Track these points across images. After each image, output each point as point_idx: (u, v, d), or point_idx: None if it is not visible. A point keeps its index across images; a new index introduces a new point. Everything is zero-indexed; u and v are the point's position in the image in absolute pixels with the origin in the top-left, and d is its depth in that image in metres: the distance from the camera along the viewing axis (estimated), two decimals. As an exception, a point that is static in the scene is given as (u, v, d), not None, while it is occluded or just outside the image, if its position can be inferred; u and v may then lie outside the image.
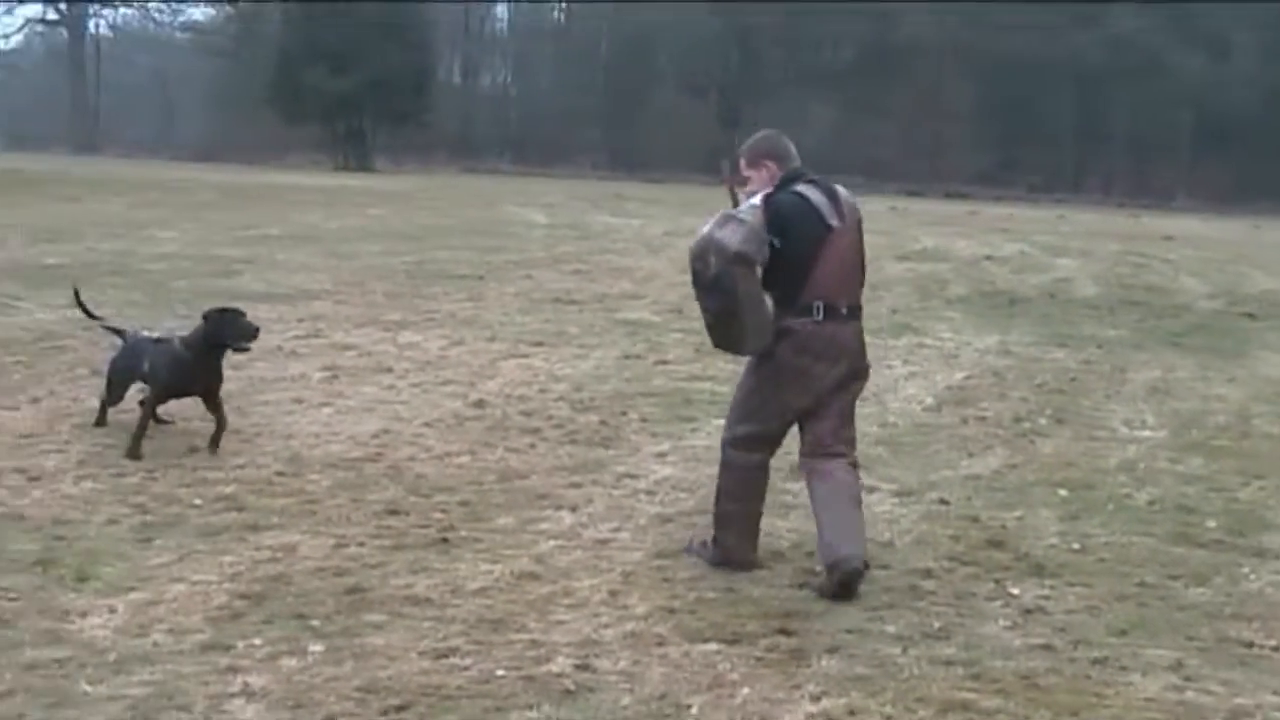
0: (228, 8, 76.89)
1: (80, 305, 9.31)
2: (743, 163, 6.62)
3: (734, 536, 6.46)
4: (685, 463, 8.32)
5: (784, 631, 5.58)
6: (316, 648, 5.27)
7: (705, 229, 6.25)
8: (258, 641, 5.31)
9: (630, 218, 27.76)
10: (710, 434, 9.12)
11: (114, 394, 8.72)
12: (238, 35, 73.45)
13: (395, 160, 61.32)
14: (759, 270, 6.24)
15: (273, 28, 66.14)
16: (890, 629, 5.66)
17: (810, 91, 63.89)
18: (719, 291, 6.18)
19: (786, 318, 6.26)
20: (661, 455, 8.49)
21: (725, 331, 6.35)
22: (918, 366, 12.07)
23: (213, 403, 8.35)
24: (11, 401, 9.39)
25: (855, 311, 6.42)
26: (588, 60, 69.67)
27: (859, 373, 6.50)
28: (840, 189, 6.52)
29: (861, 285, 6.52)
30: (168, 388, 8.33)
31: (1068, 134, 63.88)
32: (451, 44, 72.09)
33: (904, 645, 5.48)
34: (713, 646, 5.42)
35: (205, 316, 8.32)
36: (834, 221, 6.33)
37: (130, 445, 8.06)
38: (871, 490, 7.78)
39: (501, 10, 76.70)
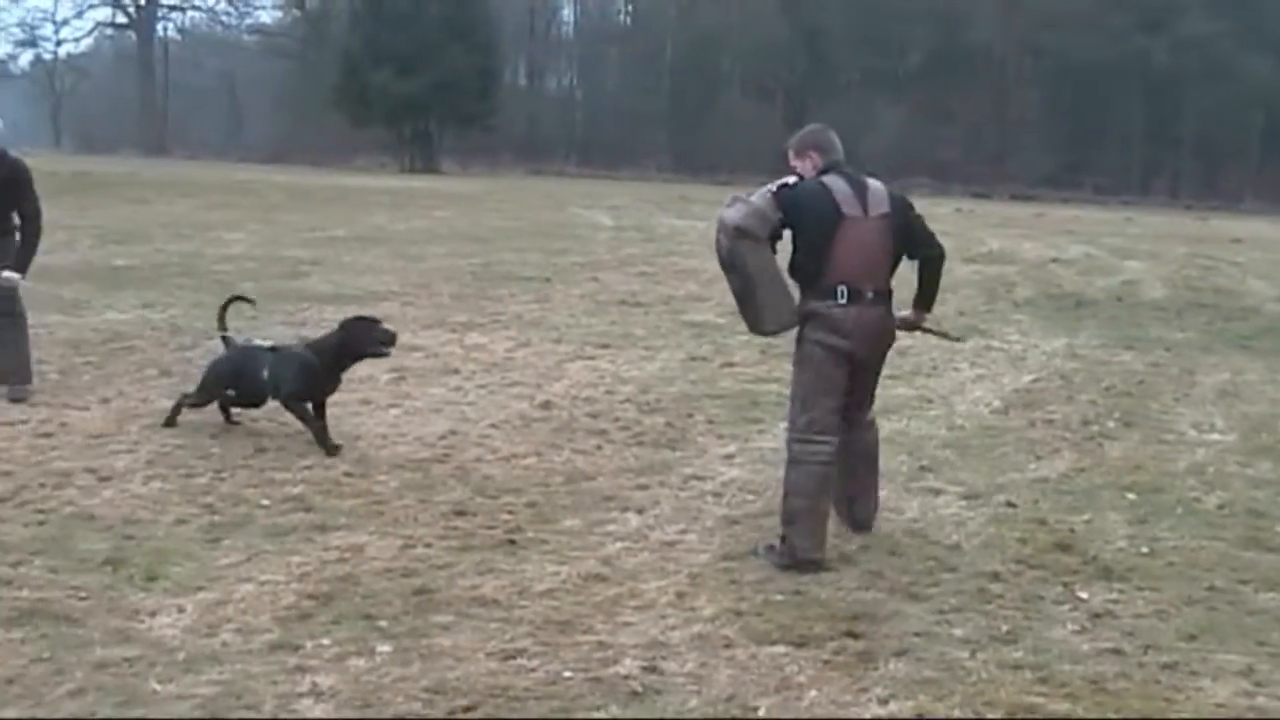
0: (295, 11, 77.49)
1: (223, 314, 9.40)
2: (790, 154, 6.94)
3: (801, 535, 6.50)
4: (752, 465, 8.30)
5: (851, 634, 5.55)
6: (384, 648, 5.28)
7: (721, 212, 6.68)
8: (326, 642, 5.32)
9: (696, 220, 27.70)
10: (777, 435, 9.08)
11: (203, 398, 8.80)
12: (304, 38, 74.00)
13: (461, 162, 61.63)
14: (770, 248, 6.62)
15: (339, 30, 66.58)
16: (958, 632, 5.63)
17: (877, 94, 63.73)
18: (734, 270, 6.62)
19: (811, 301, 6.61)
20: (728, 457, 8.47)
21: (746, 310, 6.73)
22: (985, 369, 12.00)
23: (323, 408, 8.53)
24: (81, 402, 9.48)
25: (881, 296, 6.66)
26: (653, 62, 69.72)
27: (883, 352, 6.89)
28: (873, 182, 6.77)
29: (892, 272, 6.73)
30: (297, 394, 8.49)
31: (1135, 136, 63.42)
32: (517, 46, 72.32)
33: (972, 649, 5.45)
34: (780, 649, 5.39)
35: (343, 326, 8.65)
36: (849, 210, 6.57)
37: (329, 445, 8.29)
38: (938, 493, 7.77)
39: (567, 13, 76.89)
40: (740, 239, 6.55)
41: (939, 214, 35.34)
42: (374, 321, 8.75)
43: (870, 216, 6.62)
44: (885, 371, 10.39)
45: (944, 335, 8.46)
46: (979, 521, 7.25)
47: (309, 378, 8.47)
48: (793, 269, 6.69)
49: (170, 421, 8.75)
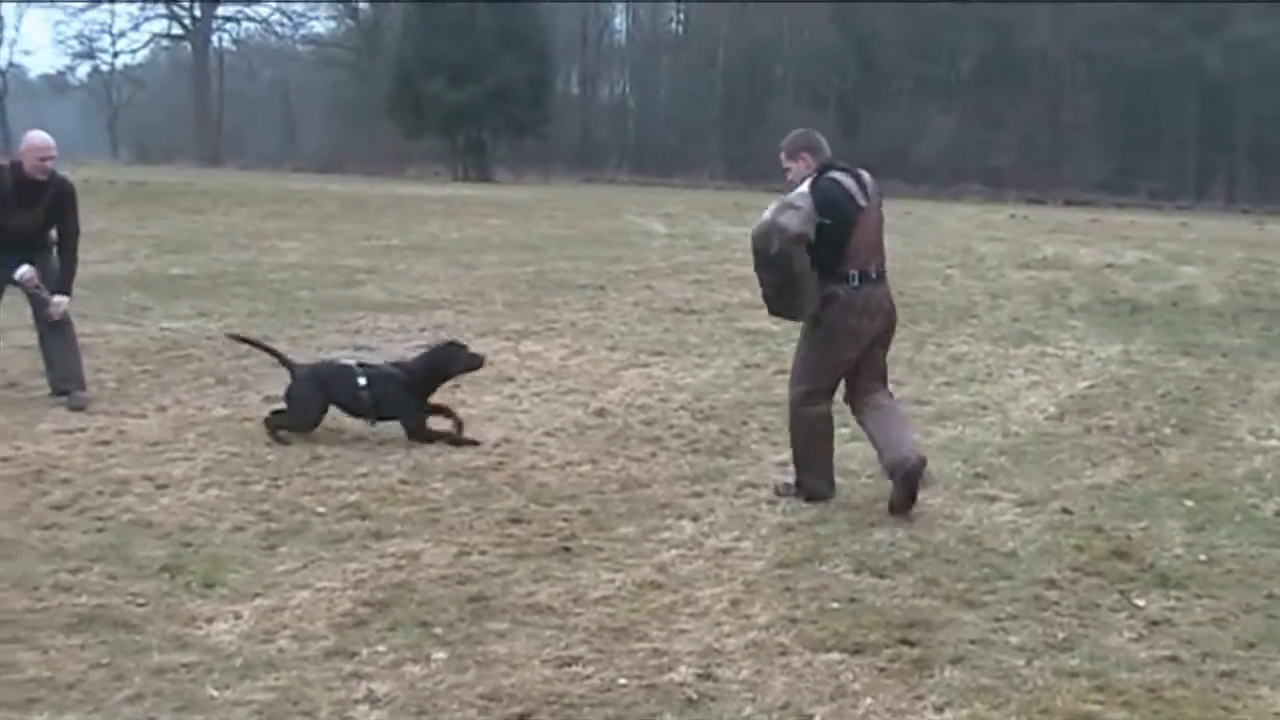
0: (348, 21, 77.90)
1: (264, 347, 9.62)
2: (783, 156, 7.73)
3: (812, 476, 7.67)
4: (807, 472, 8.29)
5: (907, 642, 5.52)
6: (440, 655, 5.29)
7: (767, 215, 7.36)
8: (382, 648, 5.34)
9: (749, 227, 27.64)
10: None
11: (310, 420, 8.89)
12: (358, 48, 74.39)
13: (514, 171, 61.81)
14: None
15: (392, 40, 66.90)
16: (1014, 640, 5.60)
17: (929, 101, 63.58)
18: (779, 268, 7.36)
19: (830, 285, 7.39)
20: (783, 464, 8.43)
21: (784, 300, 7.52)
22: (1040, 375, 11.94)
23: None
24: (139, 410, 9.55)
25: (883, 275, 7.61)
26: (705, 70, 69.72)
27: (892, 324, 7.76)
28: (865, 174, 7.63)
29: (883, 254, 7.63)
30: (415, 416, 8.87)
31: (1190, 140, 62.99)
32: (569, 55, 72.46)
33: (1028, 656, 5.42)
34: (835, 656, 5.38)
35: (434, 350, 9.20)
36: (862, 201, 7.48)
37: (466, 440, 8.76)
38: (994, 500, 7.74)
39: (619, 21, 77.00)
40: (796, 243, 7.26)
41: (994, 220, 35.25)
42: (462, 347, 9.31)
43: (871, 205, 7.55)
44: (940, 378, 10.49)
45: None
46: (1035, 528, 7.21)
47: (408, 397, 8.87)
48: (813, 257, 7.36)
49: (280, 439, 8.78)
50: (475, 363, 9.18)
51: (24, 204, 9.56)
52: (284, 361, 9.26)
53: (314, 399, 8.87)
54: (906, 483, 7.32)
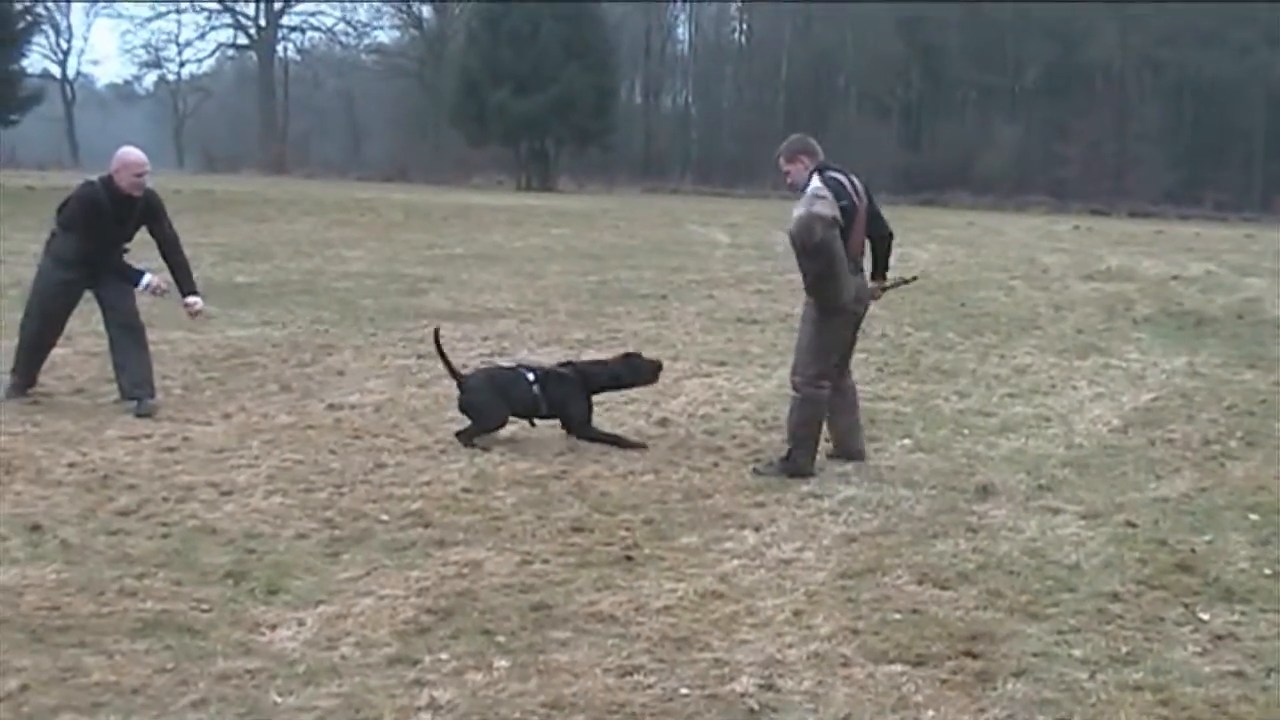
0: (413, 30, 78.28)
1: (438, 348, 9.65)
2: (782, 160, 8.62)
3: (805, 454, 8.39)
4: (869, 482, 8.25)
5: (969, 654, 5.49)
6: (502, 663, 5.29)
7: (802, 210, 8.10)
8: (444, 656, 5.35)
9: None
10: (894, 453, 9.08)
11: (496, 422, 9.10)
12: (422, 58, 74.70)
13: (578, 180, 61.90)
14: None
15: (457, 50, 67.15)
16: (1078, 653, 5.55)
17: (994, 111, 63.29)
18: (822, 256, 8.11)
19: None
20: (845, 475, 8.43)
21: (827, 287, 8.24)
22: (1104, 387, 11.85)
23: None
24: (204, 417, 9.62)
25: (860, 266, 8.60)
26: (769, 80, 69.72)
27: (866, 311, 8.82)
28: (853, 175, 8.49)
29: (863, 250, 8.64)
30: (587, 418, 9.29)
31: (1257, 152, 62.37)
32: (633, 65, 72.52)
33: (1092, 670, 5.37)
34: (897, 668, 5.35)
35: (614, 362, 9.68)
36: (855, 199, 8.36)
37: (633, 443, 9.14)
38: (1057, 512, 7.69)
39: (682, 31, 77.03)
40: (831, 228, 8.08)
41: (1058, 231, 35.07)
42: (641, 357, 9.83)
43: (860, 204, 8.41)
44: (1003, 390, 10.54)
45: (902, 282, 9.62)
46: (1098, 541, 7.15)
47: (586, 402, 9.30)
48: None
49: (474, 444, 8.96)
50: (655, 375, 9.72)
51: (118, 219, 9.70)
52: (454, 374, 9.33)
53: (495, 403, 9.09)
54: (852, 458, 8.74)
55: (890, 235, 9.03)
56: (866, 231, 8.62)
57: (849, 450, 8.80)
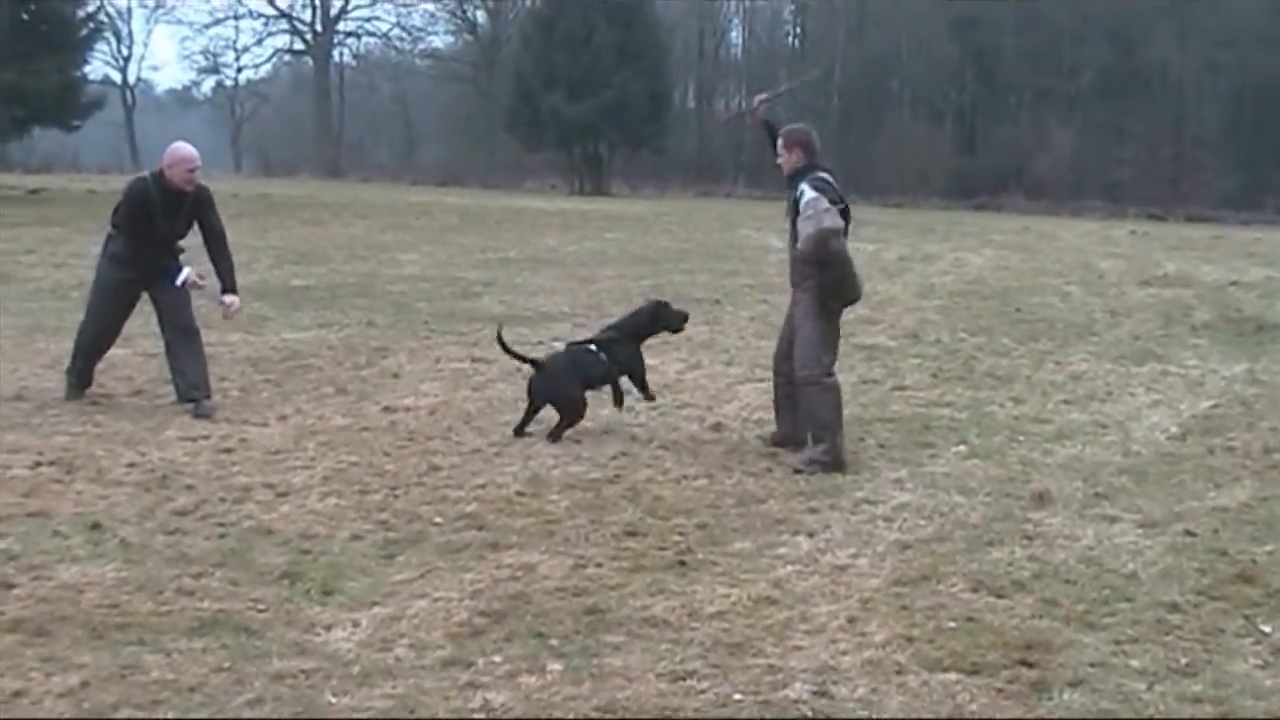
0: (467, 35, 78.50)
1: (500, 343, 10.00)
2: (781, 142, 9.07)
3: (839, 439, 8.74)
4: (924, 489, 8.23)
5: (1025, 663, 5.46)
6: (555, 666, 5.31)
7: (811, 229, 8.58)
8: (498, 659, 5.37)
9: (865, 242, 27.52)
10: (949, 460, 9.05)
11: (583, 411, 9.60)
12: (476, 62, 74.87)
13: (631, 184, 61.88)
14: None
15: (511, 54, 67.27)
16: (1135, 663, 5.51)
17: (1049, 114, 62.86)
18: (836, 262, 8.65)
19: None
20: (899, 482, 8.41)
21: (846, 289, 8.82)
22: (1161, 394, 11.76)
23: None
24: (260, 418, 9.69)
25: None
26: (822, 84, 69.36)
27: None
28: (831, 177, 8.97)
29: None
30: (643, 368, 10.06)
31: (1320, 155, 61.66)
32: (686, 68, 72.43)
33: (1150, 681, 5.33)
34: (952, 676, 5.33)
35: (644, 310, 10.24)
36: (843, 198, 8.86)
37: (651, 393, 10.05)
38: (1114, 520, 7.64)
39: (736, 35, 76.92)
40: (839, 236, 8.65)
41: (1114, 236, 34.82)
42: (668, 305, 10.34)
43: (845, 203, 8.88)
44: (1059, 396, 10.57)
45: (795, 88, 10.05)
46: (1157, 550, 7.10)
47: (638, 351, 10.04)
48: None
49: (556, 437, 9.32)
50: (681, 321, 10.30)
51: (167, 213, 9.77)
52: (532, 361, 9.71)
53: (576, 385, 9.58)
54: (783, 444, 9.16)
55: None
56: None
57: (796, 440, 9.06)
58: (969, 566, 6.72)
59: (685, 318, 10.37)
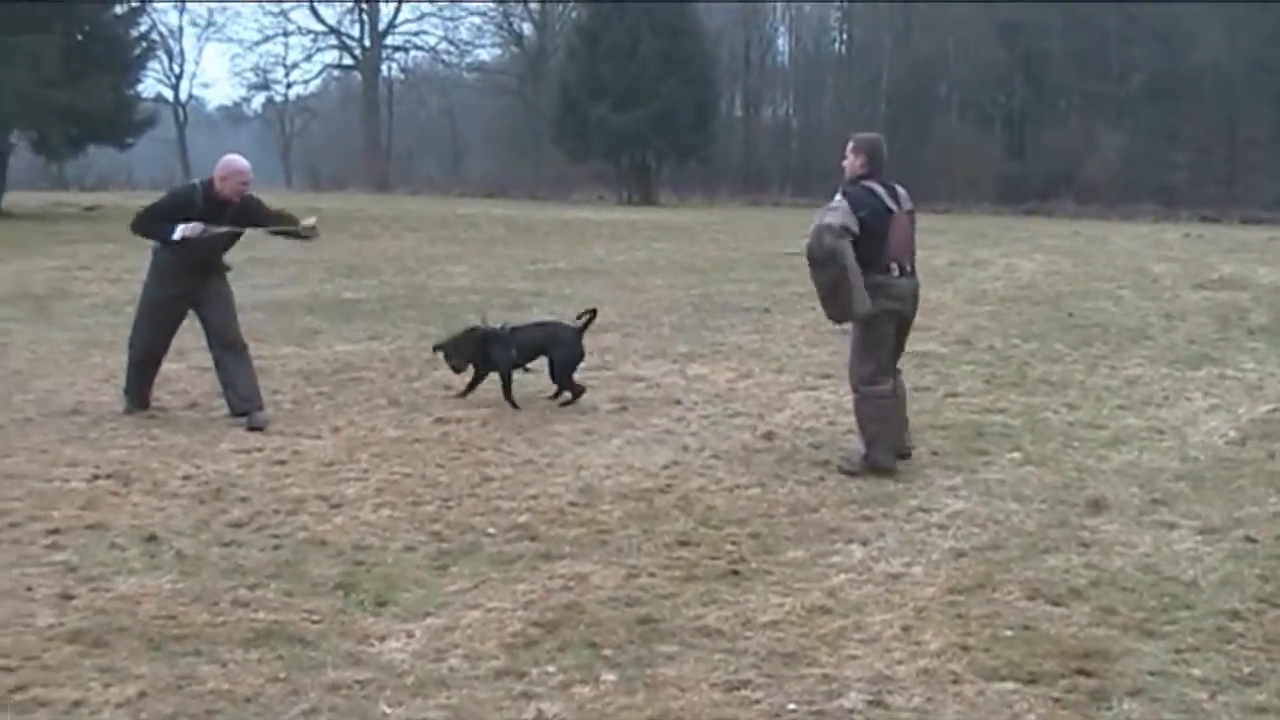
0: (513, 48, 78.72)
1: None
2: (850, 145, 9.06)
3: (881, 451, 8.76)
4: (978, 496, 8.17)
5: (1083, 672, 5.41)
6: (609, 677, 5.30)
7: (814, 225, 8.72)
8: (551, 669, 5.36)
9: (924, 251, 27.50)
10: (1003, 467, 8.99)
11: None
12: (523, 74, 75.09)
13: (679, 194, 61.84)
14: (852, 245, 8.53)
15: (557, 66, 67.39)
16: (1196, 672, 5.45)
17: (1098, 117, 62.45)
18: (832, 265, 8.52)
19: (875, 275, 8.62)
20: (953, 489, 8.36)
21: (836, 300, 8.62)
22: (1219, 399, 11.65)
23: None
24: (314, 430, 9.72)
25: (913, 271, 8.96)
26: (870, 90, 69.27)
27: (914, 312, 9.10)
28: (899, 187, 8.93)
29: (914, 254, 8.98)
30: None
31: (1377, 156, 61.02)
32: (733, 77, 72.39)
33: (1212, 690, 5.27)
34: (1009, 685, 5.29)
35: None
36: (892, 206, 8.77)
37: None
38: (1172, 527, 7.57)
39: (782, 43, 76.83)
40: (841, 238, 8.49)
41: (1167, 239, 34.58)
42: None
43: (900, 211, 8.82)
44: (1114, 402, 10.47)
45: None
46: (1216, 557, 7.03)
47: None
48: (859, 251, 8.52)
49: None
50: None
51: (209, 221, 9.80)
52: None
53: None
54: (901, 456, 8.97)
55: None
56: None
57: (898, 450, 9.02)
58: (1025, 574, 6.67)
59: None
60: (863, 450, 8.81)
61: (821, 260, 8.60)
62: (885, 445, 8.79)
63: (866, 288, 8.54)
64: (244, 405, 9.85)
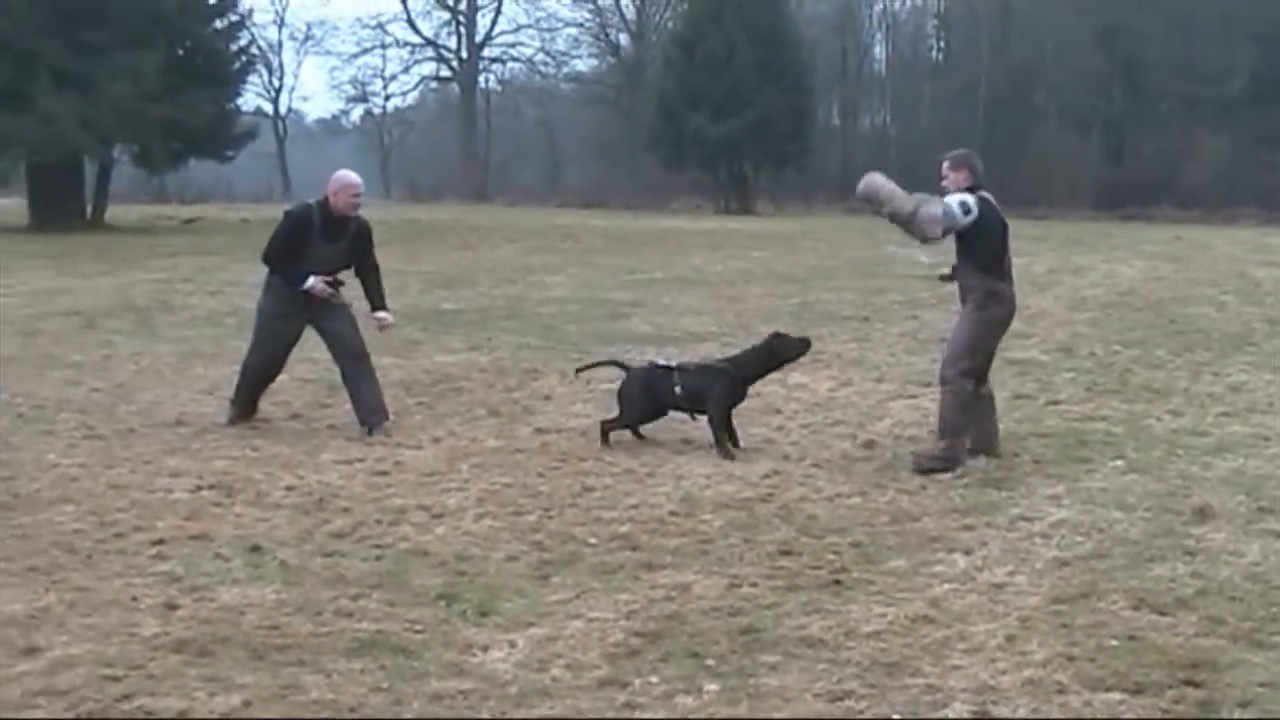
0: (610, 58, 79.00)
1: None
2: (946, 165, 9.33)
3: (959, 445, 9.00)
4: (1081, 505, 8.09)
5: (1191, 683, 5.33)
6: (712, 687, 5.29)
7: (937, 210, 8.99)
8: (654, 679, 5.36)
9: (1015, 255, 27.25)
10: (1106, 475, 8.89)
11: None
12: (620, 85, 75.31)
13: (776, 203, 61.79)
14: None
15: (654, 75, 67.53)
16: (1310, 683, 5.38)
17: (1198, 122, 61.65)
18: (901, 214, 9.17)
19: (996, 283, 9.09)
20: (1055, 497, 8.27)
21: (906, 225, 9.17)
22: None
23: None
24: (415, 441, 9.80)
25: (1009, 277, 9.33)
26: (967, 97, 68.79)
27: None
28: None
29: None
30: None
31: None
32: (829, 85, 72.20)
33: (1327, 702, 5.20)
34: (1115, 696, 5.23)
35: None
36: (1005, 218, 9.21)
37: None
38: (1285, 533, 7.46)
39: (879, 51, 76.53)
40: (937, 220, 8.93)
41: (1270, 244, 34.05)
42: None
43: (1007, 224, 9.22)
44: (1218, 408, 10.45)
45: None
46: (1334, 562, 6.92)
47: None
48: (978, 256, 9.09)
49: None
50: (800, 350, 10.00)
51: (329, 239, 9.95)
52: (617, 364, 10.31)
53: (639, 399, 9.90)
54: (991, 455, 9.26)
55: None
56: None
57: (988, 450, 9.30)
58: (1130, 583, 6.60)
59: (805, 345, 10.03)
60: (940, 444, 9.07)
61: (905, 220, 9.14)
62: (961, 440, 9.06)
63: (988, 294, 9.05)
64: (370, 418, 10.00)
